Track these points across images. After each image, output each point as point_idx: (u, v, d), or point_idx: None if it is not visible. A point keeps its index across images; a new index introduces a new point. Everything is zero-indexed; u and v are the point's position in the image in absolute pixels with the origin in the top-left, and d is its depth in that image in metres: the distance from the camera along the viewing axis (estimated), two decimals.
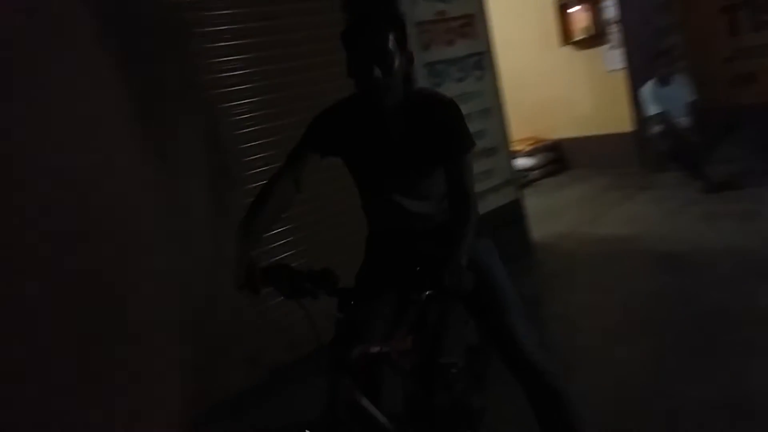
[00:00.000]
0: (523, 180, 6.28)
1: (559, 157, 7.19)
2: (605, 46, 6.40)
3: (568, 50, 6.70)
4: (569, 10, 6.52)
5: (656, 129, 5.34)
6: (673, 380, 2.54)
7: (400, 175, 1.75)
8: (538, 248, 4.51)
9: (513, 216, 4.36)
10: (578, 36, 6.54)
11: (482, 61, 4.24)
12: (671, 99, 5.23)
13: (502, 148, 4.36)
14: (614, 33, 6.23)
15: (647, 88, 5.33)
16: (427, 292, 1.51)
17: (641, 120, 5.68)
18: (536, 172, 6.93)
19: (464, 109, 4.03)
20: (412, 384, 1.85)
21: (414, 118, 1.69)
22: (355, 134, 1.75)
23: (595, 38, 6.41)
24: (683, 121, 5.24)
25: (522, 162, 6.64)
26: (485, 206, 4.12)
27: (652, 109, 5.27)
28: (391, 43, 1.58)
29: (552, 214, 5.34)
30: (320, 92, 3.34)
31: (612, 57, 6.31)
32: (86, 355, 2.41)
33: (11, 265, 2.23)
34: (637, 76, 5.82)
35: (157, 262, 2.77)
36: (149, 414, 2.65)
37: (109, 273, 2.53)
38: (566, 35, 6.64)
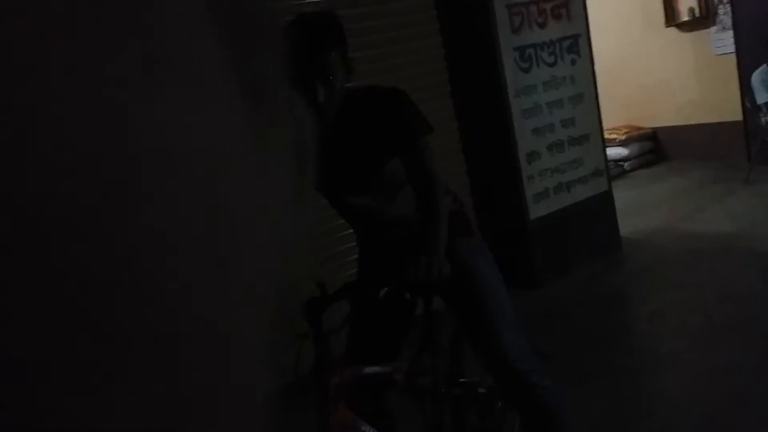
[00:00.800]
0: (615, 171, 6.02)
1: (656, 147, 6.83)
2: (713, 28, 6.02)
3: (672, 32, 6.34)
4: None
5: (766, 118, 4.96)
6: (765, 388, 2.37)
7: (357, 179, 1.64)
8: (628, 244, 4.30)
9: (602, 209, 4.18)
10: (684, 17, 6.17)
11: (576, 44, 4.07)
12: None
13: (593, 136, 4.18)
14: (724, 14, 5.82)
15: (759, 74, 4.95)
16: (385, 289, 1.41)
17: (750, 108, 5.28)
18: (630, 162, 6.62)
19: (554, 95, 4.02)
20: (431, 410, 1.63)
21: (355, 119, 1.58)
22: None
23: (703, 19, 6.04)
24: None
25: (615, 152, 6.36)
26: (572, 197, 4.00)
27: (763, 97, 4.91)
28: (333, 59, 1.48)
29: (645, 208, 5.08)
30: (401, 80, 3.36)
31: (720, 40, 5.92)
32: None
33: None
34: (748, 60, 5.41)
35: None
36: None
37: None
38: (671, 16, 6.29)
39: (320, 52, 1.46)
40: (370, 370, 1.45)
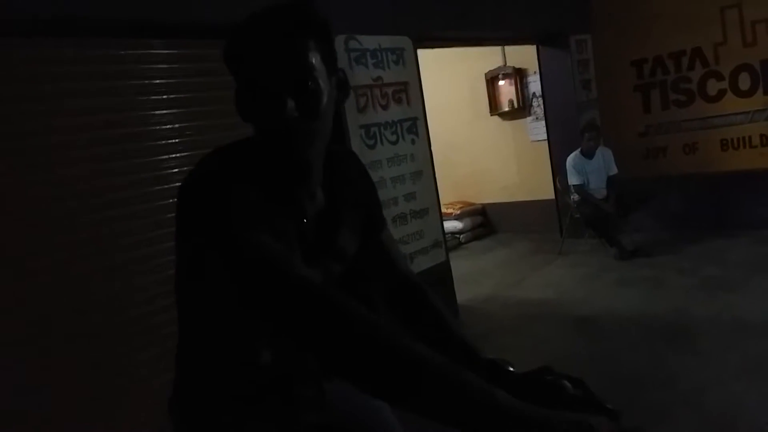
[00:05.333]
0: (452, 242, 6.47)
1: (486, 221, 7.46)
2: (529, 118, 6.82)
3: (495, 120, 7.07)
4: (498, 83, 6.93)
5: (575, 198, 5.65)
6: None
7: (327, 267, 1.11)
8: (464, 311, 4.61)
9: (441, 278, 4.46)
10: (505, 107, 6.93)
11: (415, 125, 4.42)
12: (593, 171, 5.53)
13: (432, 210, 4.50)
14: (537, 106, 6.63)
15: (571, 159, 5.56)
16: None
17: (561, 189, 6.00)
18: (465, 235, 7.14)
19: (398, 170, 4.28)
20: None
21: (335, 181, 1.12)
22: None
23: (520, 110, 6.82)
24: (601, 192, 5.58)
25: (451, 225, 6.84)
26: (414, 268, 4.21)
27: (573, 179, 5.52)
28: (315, 60, 0.93)
29: (477, 277, 5.49)
30: None
31: (535, 128, 6.70)
32: None
33: None
34: (557, 147, 6.16)
35: None
36: None
37: None
38: (494, 106, 7.02)
39: (290, 40, 0.90)
40: None
